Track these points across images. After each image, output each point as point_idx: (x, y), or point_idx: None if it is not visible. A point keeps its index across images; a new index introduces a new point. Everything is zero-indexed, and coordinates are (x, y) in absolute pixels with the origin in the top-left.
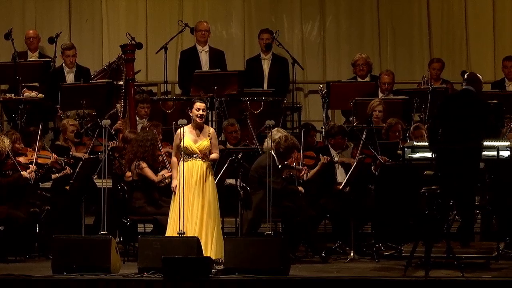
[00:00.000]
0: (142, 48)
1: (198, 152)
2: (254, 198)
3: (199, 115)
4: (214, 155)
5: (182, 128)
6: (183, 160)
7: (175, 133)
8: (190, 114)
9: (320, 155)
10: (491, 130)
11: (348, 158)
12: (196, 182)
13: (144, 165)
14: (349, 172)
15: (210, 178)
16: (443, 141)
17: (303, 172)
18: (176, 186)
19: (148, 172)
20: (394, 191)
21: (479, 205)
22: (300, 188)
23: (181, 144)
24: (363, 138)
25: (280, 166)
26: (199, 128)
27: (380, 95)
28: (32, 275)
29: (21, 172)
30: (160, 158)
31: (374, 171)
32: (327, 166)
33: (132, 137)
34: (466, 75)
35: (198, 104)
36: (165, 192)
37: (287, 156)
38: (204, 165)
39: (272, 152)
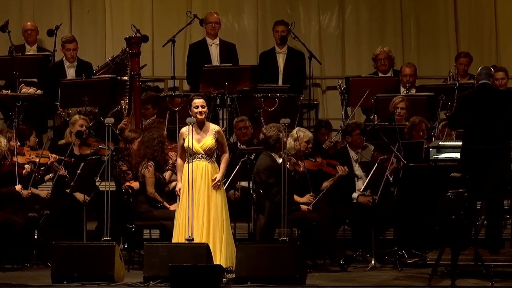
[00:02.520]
0: (148, 41)
1: (202, 152)
2: (267, 203)
3: (198, 112)
4: (224, 158)
5: (185, 127)
6: (187, 161)
7: (179, 133)
8: (190, 112)
9: (338, 166)
10: None
11: (368, 198)
12: (201, 185)
13: (150, 171)
14: (369, 175)
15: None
16: (468, 141)
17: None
18: (180, 189)
19: (149, 181)
20: (418, 194)
21: (509, 209)
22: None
23: (185, 144)
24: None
25: (281, 161)
26: (201, 126)
27: (402, 89)
28: (30, 284)
29: (15, 186)
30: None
31: (388, 175)
32: (344, 178)
33: (133, 137)
34: (480, 69)
35: (196, 101)
36: (173, 195)
37: (279, 147)
38: (210, 165)
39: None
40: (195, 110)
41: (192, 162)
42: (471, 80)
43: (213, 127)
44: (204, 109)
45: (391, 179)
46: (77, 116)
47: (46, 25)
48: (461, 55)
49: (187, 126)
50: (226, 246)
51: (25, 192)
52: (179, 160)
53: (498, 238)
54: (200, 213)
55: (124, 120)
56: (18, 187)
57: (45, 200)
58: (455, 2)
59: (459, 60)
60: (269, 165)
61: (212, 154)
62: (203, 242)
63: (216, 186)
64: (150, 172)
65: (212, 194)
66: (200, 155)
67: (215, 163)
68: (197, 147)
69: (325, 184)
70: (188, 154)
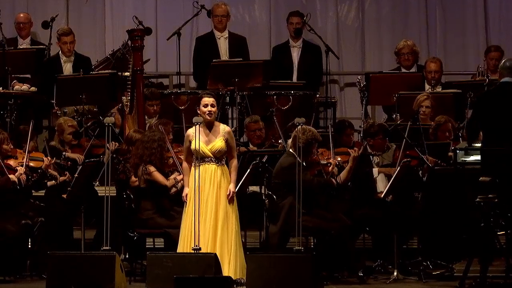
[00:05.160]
0: (152, 33)
1: (211, 155)
2: (281, 207)
3: (207, 112)
4: (233, 165)
5: (192, 128)
6: (194, 164)
7: (185, 134)
8: (199, 111)
9: (348, 149)
10: None
11: (388, 168)
12: (210, 191)
13: (152, 169)
14: (392, 179)
15: (226, 185)
16: (486, 143)
17: (331, 166)
18: (187, 195)
19: (158, 176)
20: (444, 200)
21: None
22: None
23: (192, 147)
24: (406, 137)
25: (304, 164)
26: (209, 127)
27: (427, 87)
28: None
29: (9, 176)
30: (171, 160)
31: (421, 176)
32: (361, 160)
33: (137, 138)
34: (505, 61)
35: (206, 99)
36: (178, 201)
37: (309, 151)
38: (219, 169)
39: (292, 151)
40: (204, 109)
41: (200, 166)
42: None
43: (223, 128)
44: (214, 109)
45: (424, 179)
46: (62, 121)
47: (41, 17)
48: (492, 48)
49: (194, 127)
50: (235, 256)
51: (20, 171)
52: (185, 164)
53: None
54: (208, 221)
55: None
56: (13, 176)
57: (40, 207)
58: None
59: (489, 54)
60: (295, 162)
61: (222, 157)
62: (210, 251)
63: (232, 200)
64: (153, 170)
65: (221, 201)
66: (209, 158)
67: (225, 166)
68: (206, 149)
69: (344, 174)
70: (196, 158)
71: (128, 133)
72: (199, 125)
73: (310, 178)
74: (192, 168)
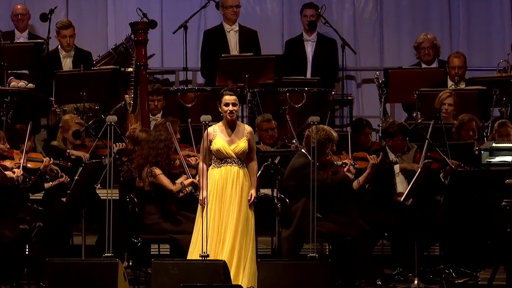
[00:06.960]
0: (156, 26)
1: (234, 156)
2: (294, 210)
3: (229, 111)
4: (254, 168)
5: (212, 127)
6: (213, 166)
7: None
8: (220, 109)
9: (367, 155)
10: None
11: (411, 163)
12: (231, 194)
13: (158, 171)
14: (412, 181)
15: (247, 187)
16: None
17: (346, 166)
18: (205, 198)
19: (164, 180)
20: (468, 204)
21: None
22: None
23: (212, 147)
24: (428, 137)
25: (317, 164)
26: (231, 126)
27: (450, 83)
28: None
29: (5, 172)
30: (177, 162)
31: (443, 179)
32: (380, 167)
33: (144, 137)
34: None
35: (227, 98)
36: (184, 204)
37: (322, 152)
38: (241, 171)
39: (304, 151)
40: (225, 108)
41: (221, 167)
42: None
43: (246, 128)
44: (236, 108)
45: (446, 182)
46: (68, 118)
47: (39, 9)
48: None
49: (213, 126)
50: (250, 263)
51: (17, 173)
52: (202, 164)
53: None
54: (229, 227)
55: (133, 126)
56: (9, 173)
57: (38, 211)
58: None
59: None
60: (307, 162)
61: (243, 159)
62: (228, 258)
63: (252, 205)
64: (159, 173)
65: (242, 205)
66: (232, 159)
67: (246, 168)
68: (229, 150)
69: (361, 180)
70: (218, 159)
71: (134, 132)
72: (214, 125)
73: (324, 177)
74: (210, 170)
